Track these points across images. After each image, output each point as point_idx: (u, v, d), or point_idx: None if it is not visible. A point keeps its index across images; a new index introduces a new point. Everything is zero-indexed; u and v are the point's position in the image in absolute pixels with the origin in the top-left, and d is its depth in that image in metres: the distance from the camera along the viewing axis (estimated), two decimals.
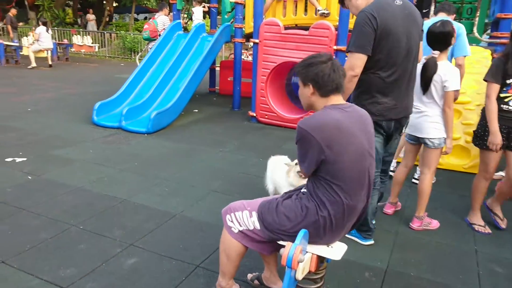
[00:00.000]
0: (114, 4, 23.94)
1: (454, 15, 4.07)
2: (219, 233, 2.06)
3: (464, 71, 3.75)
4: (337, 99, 1.86)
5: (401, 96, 2.63)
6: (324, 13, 6.16)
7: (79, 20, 22.07)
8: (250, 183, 4.00)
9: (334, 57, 1.89)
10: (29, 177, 3.87)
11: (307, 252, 1.75)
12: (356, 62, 2.47)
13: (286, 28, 6.03)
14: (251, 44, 6.68)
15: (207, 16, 10.10)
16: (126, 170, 4.18)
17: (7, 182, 3.71)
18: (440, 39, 2.88)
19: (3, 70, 11.43)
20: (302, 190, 1.95)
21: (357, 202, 1.82)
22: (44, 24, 12.12)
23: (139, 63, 7.43)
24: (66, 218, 3.11)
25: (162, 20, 8.37)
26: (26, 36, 15.15)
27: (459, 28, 3.67)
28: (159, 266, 2.56)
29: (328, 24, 5.62)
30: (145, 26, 8.65)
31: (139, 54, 13.10)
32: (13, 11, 14.29)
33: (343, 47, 5.50)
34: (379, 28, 2.42)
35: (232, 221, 1.99)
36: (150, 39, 8.45)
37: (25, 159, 4.34)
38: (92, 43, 16.91)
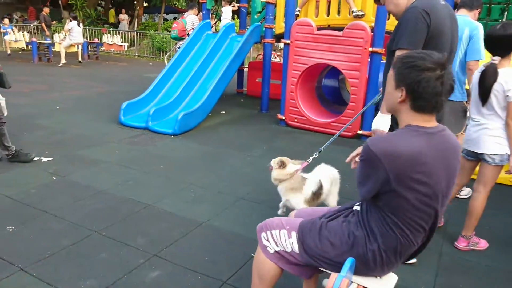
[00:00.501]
0: (145, 4, 24.22)
1: (478, 10, 3.55)
2: (247, 245, 1.87)
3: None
4: (429, 120, 1.50)
5: None
6: (358, 15, 5.89)
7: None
8: None
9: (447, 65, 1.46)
10: (54, 178, 3.79)
11: (352, 282, 1.54)
12: None
13: (318, 28, 5.80)
14: (281, 45, 6.48)
15: (236, 16, 9.96)
16: (152, 173, 4.05)
17: (32, 183, 3.64)
18: (500, 43, 2.57)
19: (36, 67, 11.64)
20: (354, 208, 1.71)
21: (415, 243, 1.55)
22: (75, 18, 12.30)
23: (167, 62, 7.36)
24: (88, 223, 2.99)
25: (191, 20, 8.29)
26: (58, 33, 15.47)
27: (475, 28, 3.30)
28: (183, 280, 2.39)
29: (363, 25, 5.35)
30: (174, 25, 8.60)
31: (168, 53, 13.12)
32: (45, 10, 14.62)
33: (379, 49, 5.22)
34: (432, 26, 2.24)
35: (267, 240, 1.77)
36: (178, 38, 8.39)
37: (51, 158, 4.28)
38: (122, 42, 17.11)
